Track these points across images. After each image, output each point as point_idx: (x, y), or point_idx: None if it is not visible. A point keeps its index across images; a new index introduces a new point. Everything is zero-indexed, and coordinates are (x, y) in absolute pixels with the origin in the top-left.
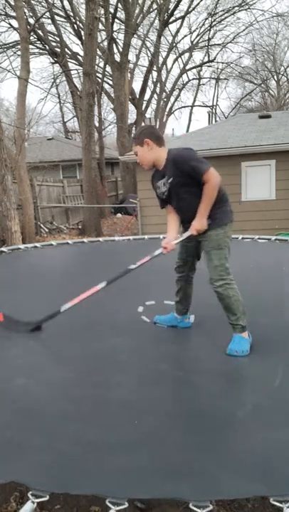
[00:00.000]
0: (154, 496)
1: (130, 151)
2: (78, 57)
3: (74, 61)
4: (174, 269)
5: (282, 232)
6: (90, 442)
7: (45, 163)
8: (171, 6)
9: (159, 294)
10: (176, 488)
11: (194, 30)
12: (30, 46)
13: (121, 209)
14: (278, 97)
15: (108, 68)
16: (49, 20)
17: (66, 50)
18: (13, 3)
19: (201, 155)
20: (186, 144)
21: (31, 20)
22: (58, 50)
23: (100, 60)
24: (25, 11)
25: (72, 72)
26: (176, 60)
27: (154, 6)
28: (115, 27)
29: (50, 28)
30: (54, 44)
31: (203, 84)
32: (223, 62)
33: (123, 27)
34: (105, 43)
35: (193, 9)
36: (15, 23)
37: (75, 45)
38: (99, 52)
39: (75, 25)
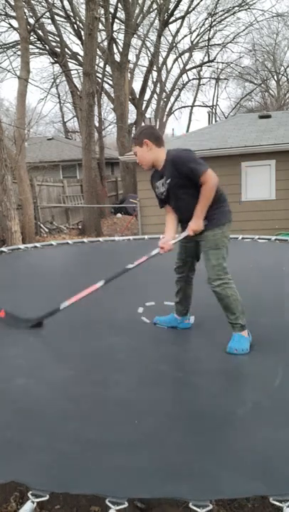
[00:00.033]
0: (154, 495)
1: (130, 151)
2: (78, 57)
3: (74, 61)
4: (173, 270)
5: (282, 232)
6: (89, 441)
7: (45, 163)
8: (171, 6)
9: (159, 295)
10: (176, 487)
11: (194, 30)
12: (30, 46)
13: (121, 209)
14: (278, 97)
15: (108, 68)
16: (49, 20)
17: (66, 50)
18: (13, 3)
19: (201, 155)
20: (185, 144)
21: (31, 20)
22: (58, 50)
23: (100, 60)
24: (25, 11)
25: (72, 72)
26: (176, 60)
27: (154, 6)
28: (115, 27)
29: (50, 28)
30: (54, 44)
31: (203, 84)
32: (223, 62)
33: (123, 27)
34: (105, 43)
35: (193, 9)
36: (15, 23)
37: (75, 45)
38: (99, 52)
39: (75, 25)
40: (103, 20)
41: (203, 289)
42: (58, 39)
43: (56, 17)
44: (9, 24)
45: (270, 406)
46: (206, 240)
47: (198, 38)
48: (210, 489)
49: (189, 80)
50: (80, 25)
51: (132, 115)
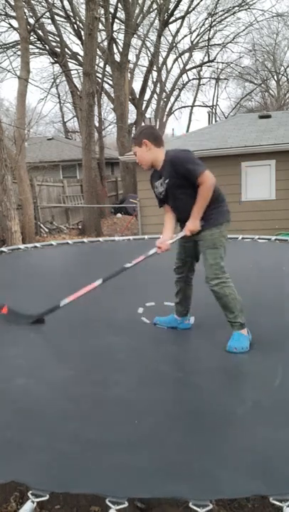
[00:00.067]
0: (154, 495)
1: (130, 151)
2: (78, 57)
3: (74, 61)
4: (173, 270)
5: (282, 232)
6: (89, 441)
7: (45, 163)
8: (171, 6)
9: (159, 296)
10: (176, 487)
11: (194, 30)
12: (30, 46)
13: (121, 209)
14: (278, 97)
15: (108, 68)
16: (49, 20)
17: (66, 50)
18: (13, 3)
19: (201, 155)
20: (185, 144)
21: (31, 20)
22: (58, 50)
23: (100, 60)
24: (25, 11)
25: (72, 72)
26: (176, 60)
27: (154, 6)
28: (115, 27)
29: (50, 28)
30: (54, 44)
31: (203, 84)
32: (223, 62)
33: (123, 27)
34: (105, 43)
35: (193, 9)
36: (15, 23)
37: (75, 45)
38: (99, 52)
39: (75, 25)
40: (103, 20)
41: (203, 289)
42: (58, 39)
43: (56, 17)
44: (9, 24)
45: (270, 406)
46: (203, 240)
47: (198, 38)
48: (210, 489)
49: (189, 80)
50: (80, 25)
51: (132, 115)
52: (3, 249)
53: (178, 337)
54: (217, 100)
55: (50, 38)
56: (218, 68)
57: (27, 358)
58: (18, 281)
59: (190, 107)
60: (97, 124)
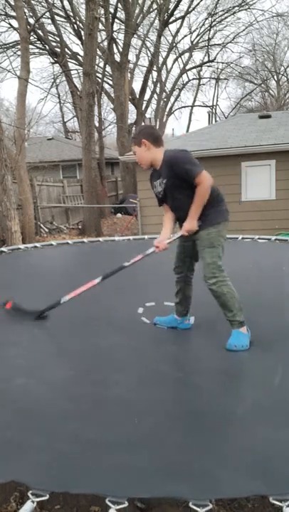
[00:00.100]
0: (154, 494)
1: (130, 151)
2: (78, 57)
3: (74, 61)
4: (172, 270)
5: (282, 232)
6: (89, 441)
7: (45, 163)
8: (171, 6)
9: (159, 296)
10: (176, 487)
11: (194, 30)
12: (30, 46)
13: (121, 209)
14: (278, 97)
15: (108, 68)
16: (49, 20)
17: (66, 50)
18: (13, 3)
19: (201, 155)
20: (185, 144)
21: (31, 20)
22: (58, 50)
23: (100, 60)
24: (25, 11)
25: (72, 72)
26: (176, 60)
27: (154, 6)
28: (115, 27)
29: (50, 28)
30: (54, 44)
31: (203, 84)
32: (223, 62)
33: (123, 27)
34: (105, 43)
35: (193, 9)
36: (15, 23)
37: (75, 45)
38: (99, 52)
39: (75, 25)
40: (103, 20)
41: (202, 289)
42: (58, 39)
43: (56, 17)
44: (9, 24)
45: (270, 406)
46: (200, 239)
47: (198, 38)
48: (210, 489)
49: (189, 80)
50: (80, 25)
51: (132, 115)
52: (3, 249)
53: (178, 337)
54: (217, 100)
55: (50, 38)
56: (218, 68)
57: (27, 358)
58: (18, 281)
59: (190, 107)
60: (97, 124)
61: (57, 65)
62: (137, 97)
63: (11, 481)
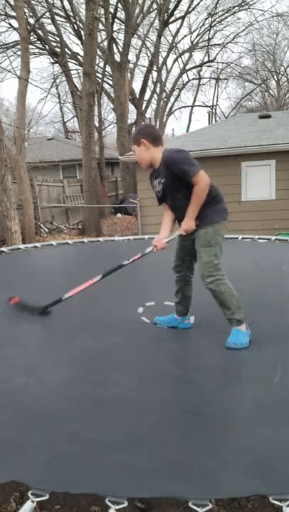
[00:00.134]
0: (153, 494)
1: (130, 151)
2: (78, 57)
3: (74, 61)
4: (172, 269)
5: (282, 232)
6: (89, 441)
7: (45, 163)
8: (171, 6)
9: (159, 295)
10: (175, 487)
11: (194, 30)
12: (30, 46)
13: (121, 209)
14: (278, 97)
15: (108, 68)
16: (49, 20)
17: (66, 50)
18: (13, 3)
19: (201, 155)
20: (185, 144)
21: (31, 20)
22: (58, 50)
23: (100, 60)
24: (26, 11)
25: (72, 72)
26: (176, 60)
27: (154, 6)
28: (115, 27)
29: (50, 28)
30: (54, 44)
31: (203, 84)
32: (223, 62)
33: (123, 27)
34: (105, 43)
35: (193, 9)
36: (15, 23)
37: (75, 45)
38: (99, 52)
39: (75, 25)
40: (103, 20)
41: (202, 289)
42: (58, 39)
43: (56, 17)
44: (9, 24)
45: (270, 406)
46: (198, 238)
47: (198, 38)
48: (210, 489)
49: (189, 80)
50: (80, 25)
51: (132, 115)
52: (3, 249)
53: (178, 336)
54: (217, 100)
55: (50, 38)
56: (218, 68)
57: (27, 358)
58: (18, 281)
59: (190, 107)
60: (97, 124)
61: (57, 65)
62: (137, 97)
63: (11, 481)
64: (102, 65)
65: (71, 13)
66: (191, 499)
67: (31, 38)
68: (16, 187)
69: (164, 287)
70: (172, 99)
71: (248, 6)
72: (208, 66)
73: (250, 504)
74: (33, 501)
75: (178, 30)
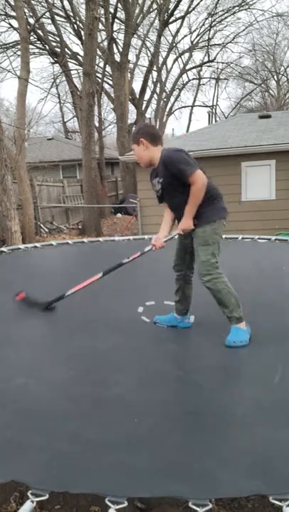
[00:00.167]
0: (153, 494)
1: (130, 151)
2: (78, 57)
3: (74, 61)
4: (172, 268)
5: (282, 232)
6: (89, 441)
7: (45, 163)
8: (171, 6)
9: (159, 295)
10: (175, 486)
11: (194, 30)
12: (30, 46)
13: (121, 209)
14: (278, 97)
15: (108, 68)
16: (49, 20)
17: (66, 50)
18: (13, 3)
19: (201, 155)
20: (185, 144)
21: (31, 20)
22: (58, 50)
23: (100, 60)
24: (26, 11)
25: (72, 72)
26: (176, 60)
27: (154, 6)
28: (115, 27)
29: (50, 28)
30: (54, 44)
31: (203, 84)
32: (223, 62)
33: (123, 27)
34: (105, 43)
35: (193, 9)
36: (15, 23)
37: (75, 45)
38: (99, 52)
39: (75, 25)
40: (103, 20)
41: (202, 288)
42: (58, 39)
43: (56, 17)
44: (9, 24)
45: (270, 406)
46: (196, 237)
47: (198, 38)
48: (210, 489)
49: (189, 80)
50: (80, 25)
51: (132, 115)
52: (3, 249)
53: (178, 336)
54: (217, 100)
55: (50, 38)
56: (218, 68)
57: (27, 358)
58: (18, 281)
59: (190, 107)
60: (97, 124)
61: (57, 65)
62: (137, 97)
63: (11, 480)
64: (102, 65)
65: (71, 13)
66: (191, 499)
67: (31, 38)
68: (16, 187)
69: (164, 286)
70: (172, 99)
71: (248, 6)
72: (208, 66)
73: (250, 504)
74: (32, 501)
75: (178, 30)
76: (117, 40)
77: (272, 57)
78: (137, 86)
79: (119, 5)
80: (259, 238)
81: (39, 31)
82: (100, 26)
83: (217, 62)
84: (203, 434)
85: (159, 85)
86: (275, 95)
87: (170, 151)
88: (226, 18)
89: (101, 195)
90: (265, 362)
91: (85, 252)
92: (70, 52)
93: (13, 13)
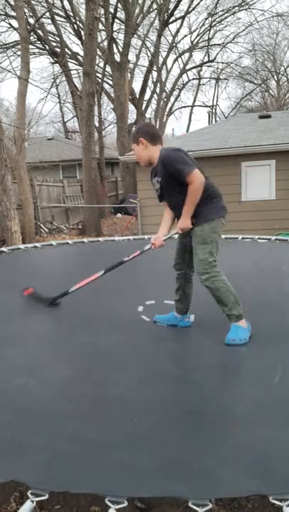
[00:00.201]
0: (153, 494)
1: (130, 150)
2: (78, 57)
3: (74, 61)
4: (173, 267)
5: (282, 232)
6: (89, 441)
7: (45, 163)
8: (171, 6)
9: (159, 294)
10: (175, 486)
11: (194, 30)
12: (30, 46)
13: (121, 209)
14: (278, 97)
15: (108, 68)
16: (49, 20)
17: (66, 50)
18: (13, 3)
19: (201, 155)
20: (185, 144)
21: (31, 20)
22: (58, 50)
23: (100, 60)
24: (26, 11)
25: (72, 72)
26: (176, 60)
27: (154, 6)
28: (115, 27)
29: (50, 28)
30: (54, 44)
31: (203, 84)
32: (223, 62)
33: (123, 27)
34: (105, 43)
35: (193, 9)
36: (15, 23)
37: (75, 45)
38: (99, 52)
39: (75, 25)
40: (103, 20)
41: (203, 287)
42: (58, 39)
43: (56, 17)
44: (9, 24)
45: (270, 405)
46: (194, 236)
47: (198, 38)
48: (210, 489)
49: (189, 80)
50: (80, 25)
51: (132, 115)
52: (3, 249)
53: (178, 335)
54: (217, 100)
55: (50, 38)
56: (218, 68)
57: (27, 358)
58: (18, 281)
59: (190, 107)
60: (97, 124)
61: (57, 65)
62: (137, 97)
63: (11, 480)
64: (102, 65)
65: (71, 13)
66: (191, 499)
67: (31, 38)
68: (16, 187)
69: (164, 286)
70: (172, 99)
71: (248, 6)
72: (208, 66)
73: (250, 504)
74: (32, 501)
75: (178, 30)
76: (117, 40)
77: (272, 57)
78: (137, 86)
79: (119, 5)
80: (259, 238)
81: (39, 31)
82: (100, 26)
83: (217, 62)
84: (203, 434)
85: (159, 85)
86: (275, 95)
87: (168, 151)
88: (226, 18)
89: (101, 195)
90: (265, 361)
91: (85, 252)
92: (70, 52)
93: (13, 13)
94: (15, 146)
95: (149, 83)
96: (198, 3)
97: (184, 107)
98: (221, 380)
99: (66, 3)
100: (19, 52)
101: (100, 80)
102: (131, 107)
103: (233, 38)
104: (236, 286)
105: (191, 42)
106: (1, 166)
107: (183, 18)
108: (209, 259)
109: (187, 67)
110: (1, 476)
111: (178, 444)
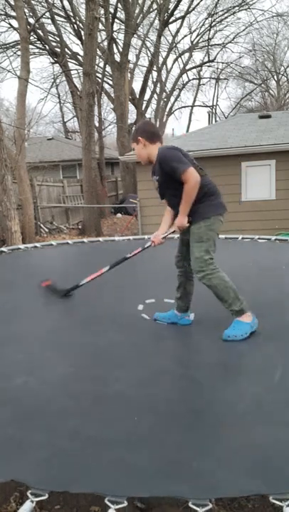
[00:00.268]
0: (153, 494)
1: (130, 150)
2: (78, 57)
3: (74, 61)
4: (174, 264)
5: (282, 232)
6: (89, 437)
7: (45, 163)
8: (171, 6)
9: (159, 293)
10: (175, 486)
11: (194, 30)
12: (30, 46)
13: (121, 209)
14: (278, 97)
15: (108, 68)
16: (49, 20)
17: (66, 50)
18: (13, 3)
19: (201, 155)
20: (185, 144)
21: (31, 20)
22: (58, 50)
23: (100, 60)
24: (26, 11)
25: (72, 72)
26: (176, 60)
27: (154, 6)
28: (115, 27)
29: (50, 28)
30: (54, 44)
31: (203, 84)
32: (223, 62)
33: (123, 27)
34: (105, 43)
35: (193, 9)
36: (15, 23)
37: (75, 45)
38: (99, 52)
39: (75, 25)
40: (103, 20)
41: (203, 286)
42: (58, 39)
43: (56, 17)
44: (9, 24)
45: (271, 405)
46: (191, 233)
47: (198, 38)
48: (210, 488)
49: (189, 80)
50: (80, 25)
51: (132, 115)
52: (3, 249)
53: (178, 333)
54: (217, 100)
55: (50, 38)
56: (218, 68)
57: (27, 355)
58: (18, 281)
59: (190, 107)
60: (97, 124)
61: (57, 65)
62: (137, 97)
63: (11, 480)
64: (102, 65)
65: (71, 13)
66: (190, 499)
67: (31, 38)
68: (16, 187)
69: (164, 285)
70: (172, 99)
71: (248, 6)
72: (208, 66)
73: (250, 504)
74: (32, 501)
75: (178, 30)
76: (117, 40)
77: (272, 57)
78: (137, 86)
79: (119, 5)
80: (259, 238)
81: (39, 31)
82: (100, 26)
83: (217, 62)
84: (203, 433)
85: (159, 85)
86: (275, 95)
87: (165, 149)
88: (226, 18)
89: (101, 195)
90: (265, 360)
91: (85, 252)
92: (70, 52)
93: (13, 13)
94: (15, 146)
95: (149, 83)
96: (198, 3)
97: (184, 107)
98: (221, 379)
99: (66, 3)
100: (19, 52)
101: (100, 80)
102: (131, 107)
103: (233, 38)
104: (236, 286)
105: (191, 42)
106: (1, 166)
107: (183, 18)
108: (205, 257)
109: (187, 67)
110: (1, 476)
111: (178, 443)
